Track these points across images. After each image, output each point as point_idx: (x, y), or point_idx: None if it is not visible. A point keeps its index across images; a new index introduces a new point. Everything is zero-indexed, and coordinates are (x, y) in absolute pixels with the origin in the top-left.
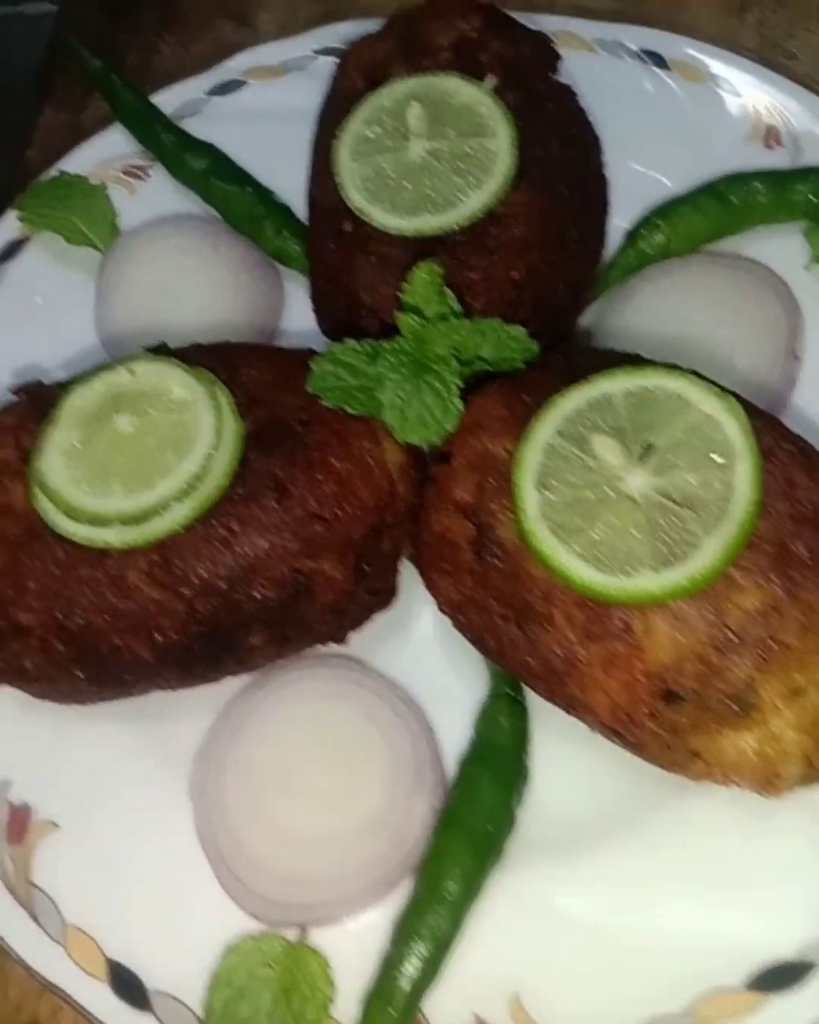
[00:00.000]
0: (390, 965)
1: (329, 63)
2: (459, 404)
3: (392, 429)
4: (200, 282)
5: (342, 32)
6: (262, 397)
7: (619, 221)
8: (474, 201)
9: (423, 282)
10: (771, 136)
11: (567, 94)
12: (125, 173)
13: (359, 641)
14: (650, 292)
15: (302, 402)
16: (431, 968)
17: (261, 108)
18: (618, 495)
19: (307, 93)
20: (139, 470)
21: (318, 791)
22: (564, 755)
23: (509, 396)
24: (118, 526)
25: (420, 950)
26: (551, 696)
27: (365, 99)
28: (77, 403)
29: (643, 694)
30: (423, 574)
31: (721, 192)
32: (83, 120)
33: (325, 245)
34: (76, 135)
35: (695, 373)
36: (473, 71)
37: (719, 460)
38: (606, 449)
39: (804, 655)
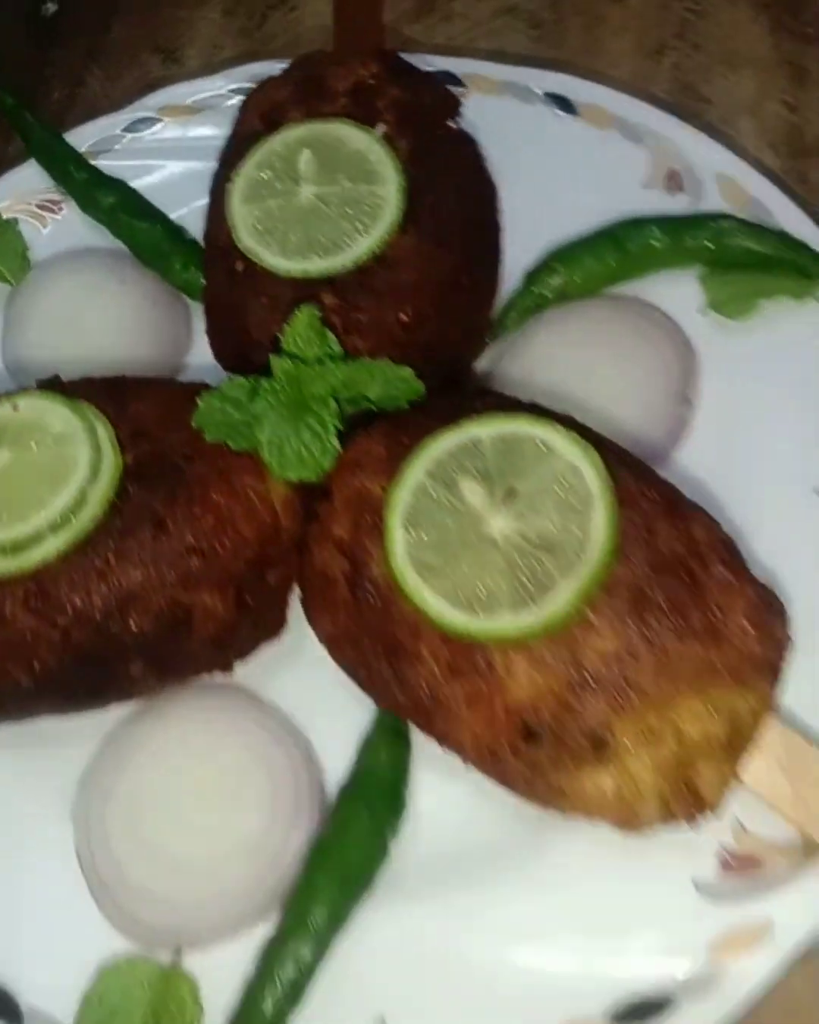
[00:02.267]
0: (253, 991)
1: (240, 103)
2: (336, 443)
3: (270, 466)
4: (108, 316)
5: (255, 72)
6: (147, 431)
7: (519, 263)
8: (361, 245)
9: (302, 325)
10: (673, 181)
11: (465, 141)
12: (38, 207)
13: (248, 670)
14: (546, 335)
15: (187, 437)
16: (293, 994)
17: (173, 145)
18: (481, 537)
19: (217, 130)
20: (16, 502)
21: (198, 819)
22: (444, 789)
23: (389, 437)
24: None
25: (283, 976)
26: (423, 730)
27: (260, 143)
28: None
29: (504, 730)
30: (305, 608)
31: (619, 238)
32: (9, 152)
33: (219, 282)
34: (1, 166)
35: (566, 419)
36: (369, 117)
37: (577, 506)
38: (472, 492)
39: (658, 699)
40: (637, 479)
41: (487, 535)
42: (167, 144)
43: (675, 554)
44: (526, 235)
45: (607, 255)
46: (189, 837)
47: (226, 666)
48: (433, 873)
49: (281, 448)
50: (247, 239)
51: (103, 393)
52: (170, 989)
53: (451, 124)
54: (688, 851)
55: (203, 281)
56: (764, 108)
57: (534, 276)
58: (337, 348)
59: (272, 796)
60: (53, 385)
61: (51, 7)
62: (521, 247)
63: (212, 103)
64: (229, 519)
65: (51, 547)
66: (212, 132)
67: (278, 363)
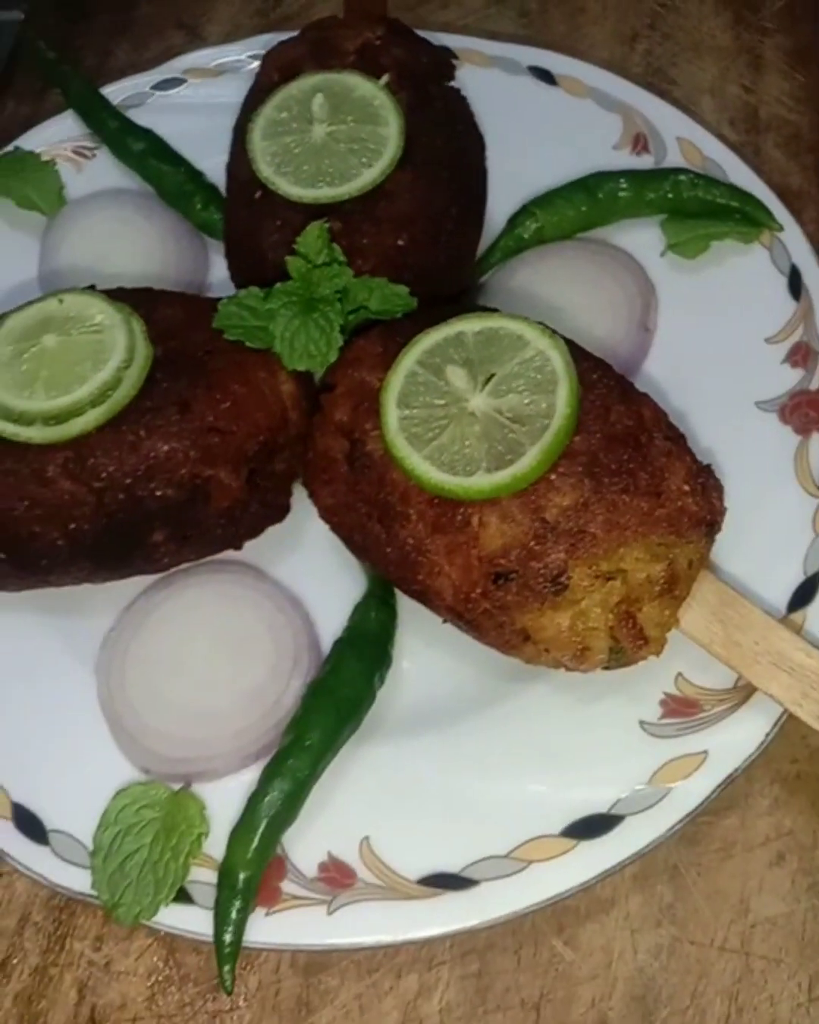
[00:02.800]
0: (254, 801)
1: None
2: (340, 338)
3: (282, 357)
4: (135, 248)
5: (270, 40)
6: (173, 332)
7: (503, 210)
8: (365, 177)
9: (313, 236)
10: (639, 143)
11: (457, 98)
12: (74, 152)
13: (254, 549)
14: (526, 272)
15: (208, 338)
16: (290, 805)
17: (197, 102)
18: (462, 412)
19: (237, 91)
20: (60, 378)
21: (208, 673)
22: (424, 651)
23: (385, 338)
24: (39, 425)
25: (281, 789)
26: (406, 586)
27: (278, 89)
28: (12, 324)
29: (477, 576)
30: (307, 487)
31: (590, 187)
32: (40, 114)
33: (239, 211)
34: (33, 125)
35: (539, 323)
36: (374, 72)
37: (545, 385)
38: (456, 376)
39: (609, 545)
40: (596, 370)
41: (468, 411)
42: (191, 101)
43: (626, 428)
44: (509, 186)
45: (579, 202)
46: (200, 687)
47: (236, 543)
48: (412, 717)
49: (292, 341)
50: (265, 169)
51: (134, 299)
52: (179, 808)
53: (446, 83)
54: (634, 697)
55: (220, 219)
56: (725, 90)
57: (515, 220)
58: (341, 257)
59: (275, 653)
60: (88, 290)
61: None
62: (505, 197)
63: (233, 67)
64: (244, 406)
65: (90, 419)
66: (232, 93)
67: (294, 263)
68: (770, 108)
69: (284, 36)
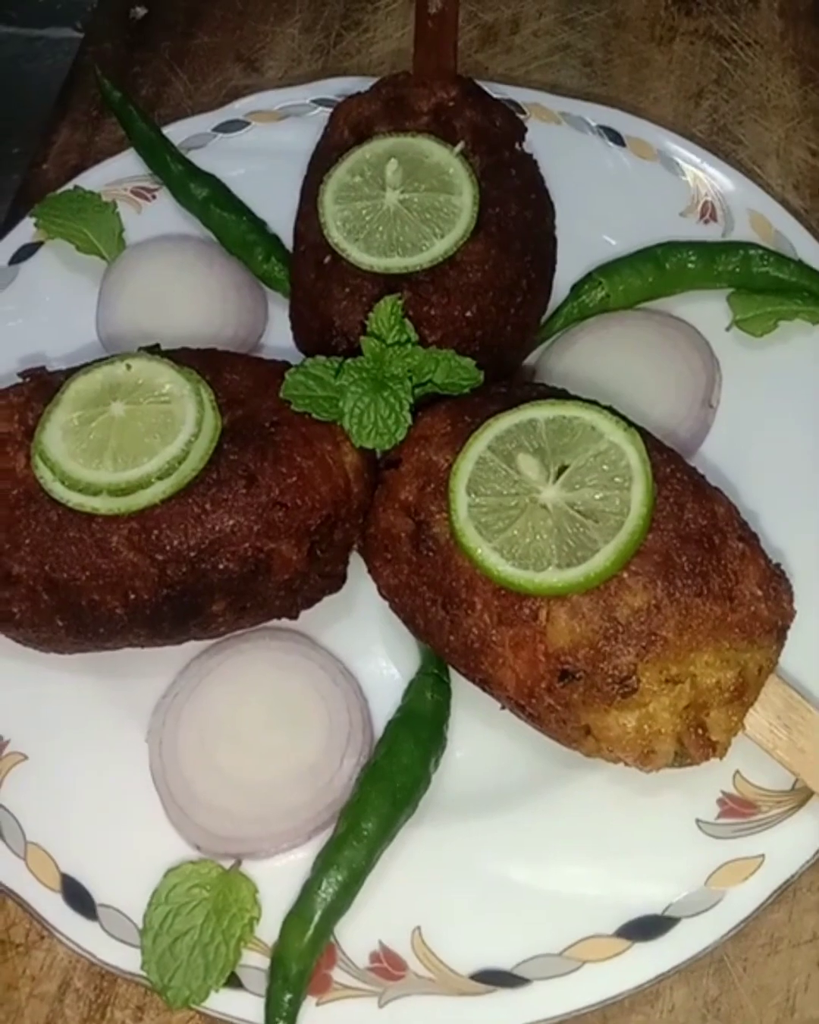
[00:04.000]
0: (309, 890)
1: (323, 113)
2: (409, 417)
3: (351, 434)
4: (193, 296)
5: (337, 86)
6: (240, 398)
7: (567, 275)
8: (438, 248)
9: (386, 313)
10: (708, 212)
11: (529, 163)
12: (134, 193)
13: (309, 619)
14: (589, 340)
15: (275, 406)
16: (344, 895)
17: (260, 147)
18: (534, 504)
19: (302, 137)
20: (128, 450)
21: (261, 745)
22: (479, 730)
23: (454, 415)
24: (106, 496)
25: (336, 879)
26: (468, 672)
27: (350, 151)
28: (79, 388)
29: (543, 672)
30: (367, 562)
31: (658, 257)
32: (96, 141)
33: (306, 274)
34: (89, 154)
35: (609, 409)
36: (448, 135)
37: (620, 481)
38: (528, 466)
39: (680, 649)
40: (669, 463)
41: (539, 502)
42: (254, 145)
43: (700, 527)
44: (575, 250)
45: (647, 273)
46: (252, 759)
47: (293, 612)
48: (468, 803)
49: (361, 419)
50: (337, 235)
51: (199, 362)
52: (231, 889)
53: (517, 146)
54: (692, 793)
55: (282, 272)
56: (790, 152)
57: (580, 288)
58: (413, 335)
59: (329, 728)
60: (155, 351)
61: (140, 11)
62: (570, 260)
63: (297, 111)
64: (309, 480)
65: (157, 491)
66: (294, 138)
67: (367, 343)
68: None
69: (349, 82)
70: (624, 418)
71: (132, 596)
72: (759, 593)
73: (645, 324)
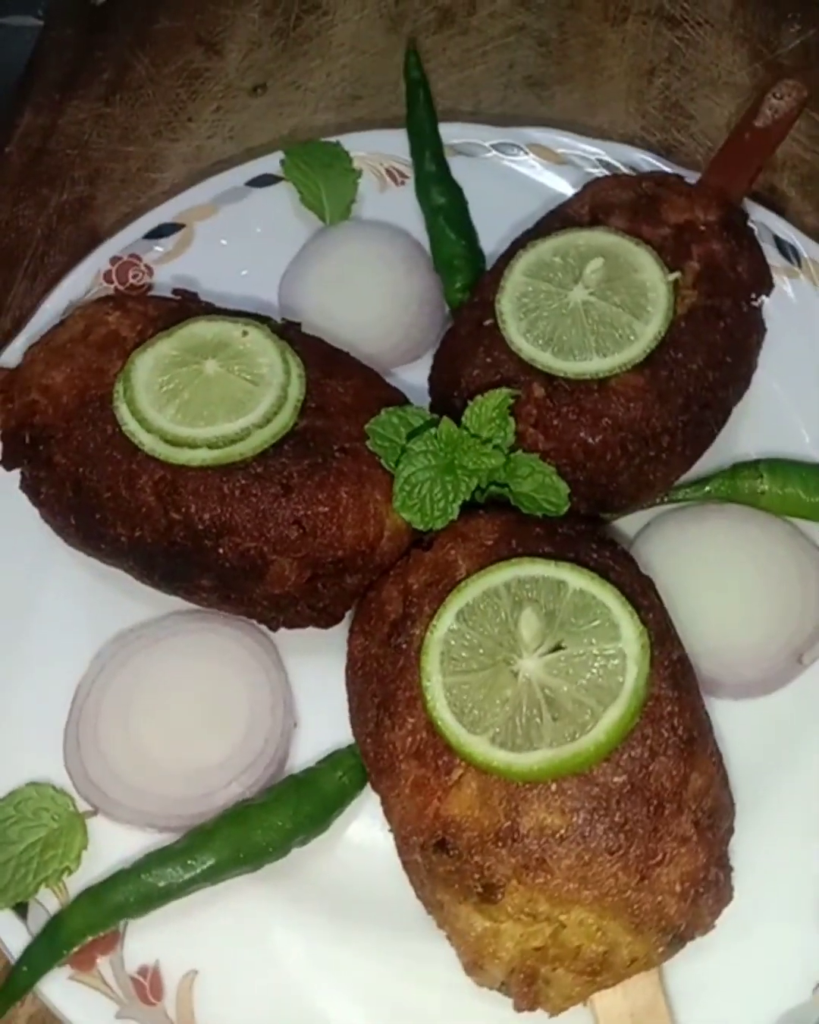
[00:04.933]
0: (117, 878)
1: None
2: (456, 511)
3: (394, 498)
4: (380, 294)
5: (630, 157)
6: (330, 410)
7: (736, 444)
8: (591, 366)
9: (490, 405)
10: None
11: (748, 324)
12: (387, 171)
13: (285, 635)
14: (712, 527)
15: (356, 433)
16: (144, 904)
17: (523, 178)
18: (508, 667)
19: (566, 184)
20: (195, 408)
21: (176, 725)
22: (374, 833)
23: (504, 531)
24: (155, 438)
25: (145, 886)
26: (370, 779)
27: (568, 230)
28: (193, 330)
29: (426, 828)
30: (353, 620)
31: None
32: (59, 124)
33: (464, 325)
34: (51, 135)
35: (644, 619)
36: (677, 257)
37: (603, 695)
38: (527, 624)
39: (560, 893)
40: (676, 704)
41: (514, 668)
42: (516, 173)
43: (658, 786)
44: (760, 421)
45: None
46: (160, 734)
47: (273, 626)
48: (319, 896)
49: (411, 489)
50: (506, 305)
51: (319, 358)
52: (68, 832)
53: (747, 303)
54: None
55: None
56: None
57: (740, 470)
58: (511, 437)
59: (238, 744)
60: (288, 328)
61: None
62: (749, 429)
63: (576, 160)
64: (341, 518)
65: (199, 456)
66: (559, 183)
67: (445, 425)
68: (785, 146)
69: (645, 157)
70: (650, 637)
71: (138, 533)
72: (678, 889)
73: (784, 543)
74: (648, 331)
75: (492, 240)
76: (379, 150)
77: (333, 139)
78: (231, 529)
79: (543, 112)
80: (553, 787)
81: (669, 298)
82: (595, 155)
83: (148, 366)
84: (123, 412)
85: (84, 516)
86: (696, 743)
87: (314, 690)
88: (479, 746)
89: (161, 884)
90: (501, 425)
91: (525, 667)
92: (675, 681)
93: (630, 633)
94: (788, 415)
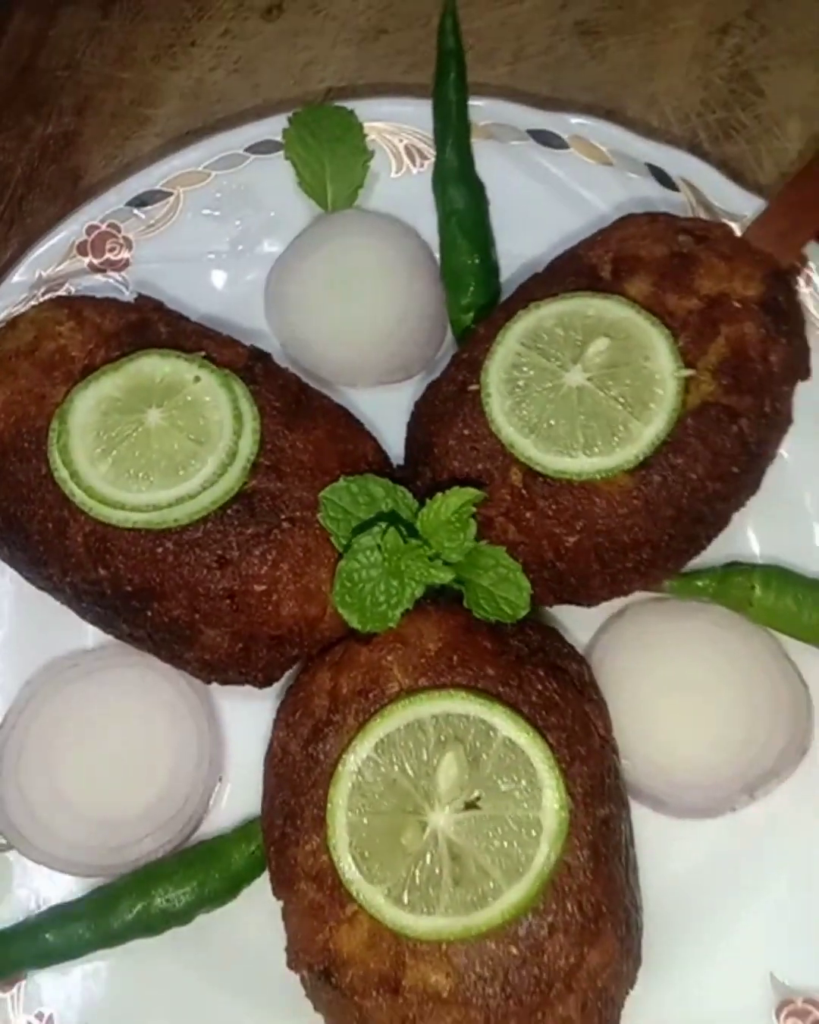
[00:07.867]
0: (19, 930)
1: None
2: (397, 618)
3: (334, 592)
4: (376, 302)
5: (698, 174)
6: (284, 468)
7: (734, 541)
8: (575, 465)
9: (449, 506)
10: None
11: (770, 427)
12: (405, 149)
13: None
14: (689, 628)
15: (310, 500)
16: (46, 957)
17: (555, 183)
18: (418, 815)
19: (601, 198)
20: (130, 465)
21: (95, 772)
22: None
23: (448, 644)
24: (85, 492)
25: (52, 937)
26: (272, 885)
27: (578, 294)
28: (142, 367)
29: (315, 951)
30: (282, 704)
31: None
32: (51, 36)
33: (448, 383)
34: (42, 44)
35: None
36: (703, 338)
37: (510, 867)
38: (446, 771)
39: None
40: (589, 875)
41: (424, 819)
42: (552, 178)
43: (553, 965)
44: (768, 513)
45: (813, 612)
46: (82, 779)
47: (205, 680)
48: (237, 965)
49: (351, 586)
50: (493, 375)
51: (285, 403)
52: None
53: (773, 403)
54: None
55: (468, 328)
56: (816, 111)
57: (731, 574)
58: (469, 542)
59: (159, 797)
60: (256, 361)
61: None
62: (754, 514)
63: (621, 163)
64: (278, 595)
65: (130, 519)
66: (594, 196)
67: (391, 534)
68: None
69: (718, 183)
70: (572, 811)
71: (68, 577)
72: None
73: (762, 663)
74: (647, 434)
75: (508, 243)
76: (400, 121)
77: (348, 104)
78: (160, 595)
79: (592, 69)
80: (443, 949)
81: (678, 396)
82: (646, 157)
83: (88, 406)
84: (55, 458)
85: (17, 550)
86: (602, 919)
87: (247, 736)
88: (373, 897)
89: (60, 943)
90: (459, 529)
91: (435, 821)
92: (594, 849)
93: (552, 803)
94: (801, 509)
